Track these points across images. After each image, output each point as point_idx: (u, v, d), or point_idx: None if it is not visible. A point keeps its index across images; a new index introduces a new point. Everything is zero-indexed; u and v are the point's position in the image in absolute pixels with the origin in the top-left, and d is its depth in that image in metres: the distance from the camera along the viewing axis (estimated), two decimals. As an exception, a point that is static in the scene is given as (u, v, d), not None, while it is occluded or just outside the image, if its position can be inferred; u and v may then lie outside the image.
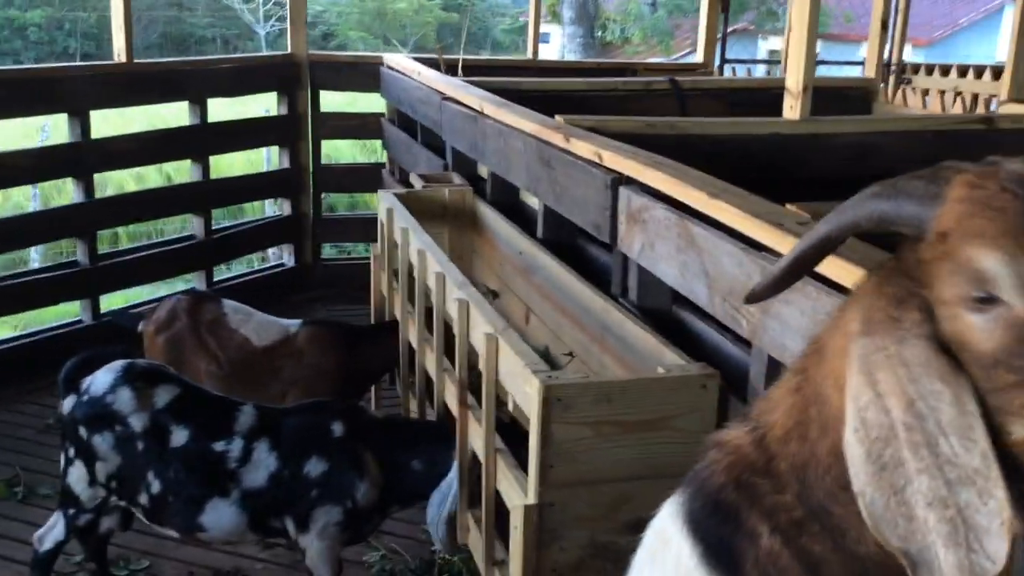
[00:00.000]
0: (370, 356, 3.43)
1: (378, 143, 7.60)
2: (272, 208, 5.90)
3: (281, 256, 5.89)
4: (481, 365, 2.31)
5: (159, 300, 4.95)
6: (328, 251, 6.09)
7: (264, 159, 8.64)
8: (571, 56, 18.41)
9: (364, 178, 5.90)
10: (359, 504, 2.56)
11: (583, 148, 2.81)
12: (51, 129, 9.07)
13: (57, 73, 4.62)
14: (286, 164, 5.63)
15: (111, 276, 4.83)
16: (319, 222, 5.77)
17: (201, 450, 2.54)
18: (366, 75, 5.57)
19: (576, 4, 18.43)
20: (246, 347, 3.30)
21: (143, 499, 2.57)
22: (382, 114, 5.61)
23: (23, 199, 8.33)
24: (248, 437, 2.55)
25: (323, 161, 5.73)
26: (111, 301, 5.10)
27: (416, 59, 5.28)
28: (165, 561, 3.18)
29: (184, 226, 6.50)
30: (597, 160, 2.73)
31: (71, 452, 2.62)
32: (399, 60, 5.36)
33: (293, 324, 3.41)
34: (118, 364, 2.64)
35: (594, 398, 1.92)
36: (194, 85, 5.00)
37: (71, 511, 2.67)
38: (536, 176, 3.18)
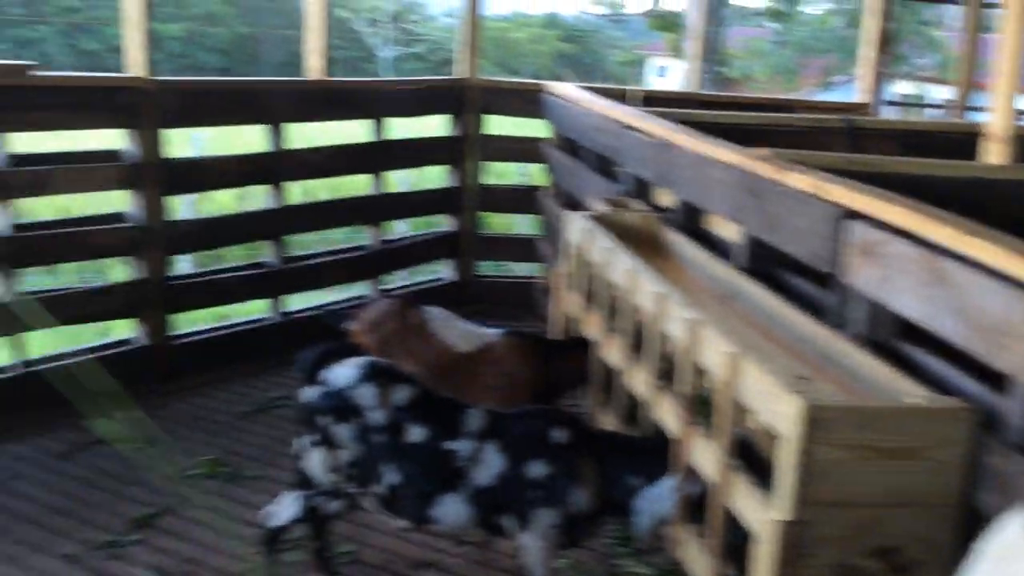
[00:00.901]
0: (564, 370, 3.56)
1: (533, 167, 7.85)
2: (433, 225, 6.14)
3: (441, 270, 6.11)
4: (712, 383, 2.41)
5: (323, 305, 5.25)
6: (484, 268, 6.28)
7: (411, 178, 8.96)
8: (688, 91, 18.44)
9: (522, 200, 6.09)
10: (576, 509, 2.68)
11: (801, 181, 2.90)
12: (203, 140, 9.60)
13: (258, 87, 4.94)
14: (451, 183, 5.87)
15: (296, 278, 5.13)
16: (477, 239, 5.99)
17: (434, 447, 2.70)
18: (529, 101, 5.78)
19: (699, 39, 18.49)
20: (448, 353, 3.47)
21: (378, 488, 2.75)
22: (543, 139, 5.79)
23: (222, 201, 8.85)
24: (478, 437, 2.71)
25: (486, 181, 5.96)
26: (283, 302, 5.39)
27: (584, 88, 5.45)
28: (367, 548, 3.37)
29: (347, 236, 6.80)
30: (815, 193, 2.81)
31: (311, 439, 2.82)
32: (564, 88, 5.54)
33: (494, 333, 3.56)
34: (360, 360, 2.84)
35: (855, 422, 1.99)
36: (375, 104, 5.29)
37: (308, 493, 2.87)
38: (740, 206, 3.28)
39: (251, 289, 5.03)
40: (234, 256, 5.87)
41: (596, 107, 4.87)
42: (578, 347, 3.59)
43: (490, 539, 2.94)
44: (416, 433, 2.73)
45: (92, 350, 4.53)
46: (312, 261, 5.33)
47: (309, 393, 2.85)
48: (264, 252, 5.06)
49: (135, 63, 4.28)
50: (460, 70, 5.76)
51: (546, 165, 5.79)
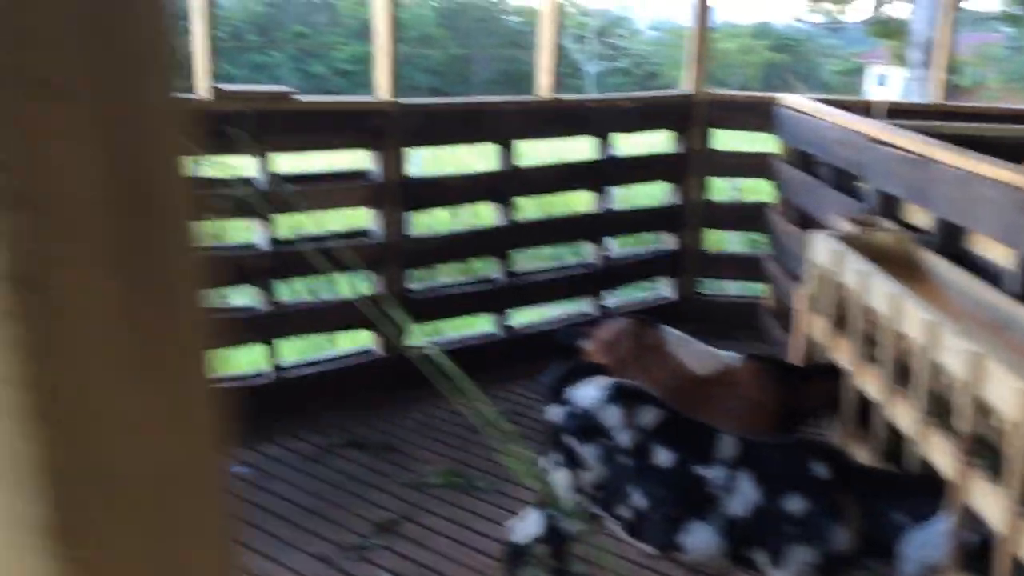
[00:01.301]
0: (807, 397, 3.39)
1: (747, 182, 7.63)
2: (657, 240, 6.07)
3: (661, 287, 6.03)
4: (998, 422, 2.21)
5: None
6: (704, 286, 6.14)
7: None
8: (914, 100, 17.31)
9: (745, 216, 5.90)
10: (834, 549, 2.53)
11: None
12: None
13: (491, 107, 5.07)
14: (674, 200, 5.77)
15: (520, 294, 5.22)
16: (698, 257, 5.86)
17: (684, 472, 2.64)
18: (758, 114, 5.59)
19: (924, 46, 17.33)
20: (684, 374, 3.39)
21: (624, 511, 2.71)
22: (771, 154, 5.58)
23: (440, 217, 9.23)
24: (731, 465, 2.62)
25: (710, 198, 5.83)
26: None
27: (820, 100, 5.22)
28: (606, 573, 3.35)
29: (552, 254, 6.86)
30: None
31: (557, 458, 2.83)
32: (799, 101, 5.31)
33: (732, 356, 3.45)
34: (606, 381, 2.82)
35: None
36: (601, 120, 5.29)
37: (551, 512, 2.88)
38: (1014, 227, 3.01)
39: (479, 304, 5.16)
40: (447, 272, 6.03)
41: (837, 119, 4.64)
42: (823, 374, 3.41)
43: (737, 572, 2.84)
44: (664, 456, 2.68)
45: (338, 359, 4.80)
46: (535, 277, 5.40)
47: (554, 412, 2.86)
48: (485, 268, 5.16)
49: (382, 87, 4.51)
50: (686, 83, 5.67)
51: (775, 180, 5.59)
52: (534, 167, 5.20)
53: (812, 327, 3.71)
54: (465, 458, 4.27)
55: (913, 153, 3.76)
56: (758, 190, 6.59)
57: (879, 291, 3.02)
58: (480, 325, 5.39)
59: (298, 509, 3.79)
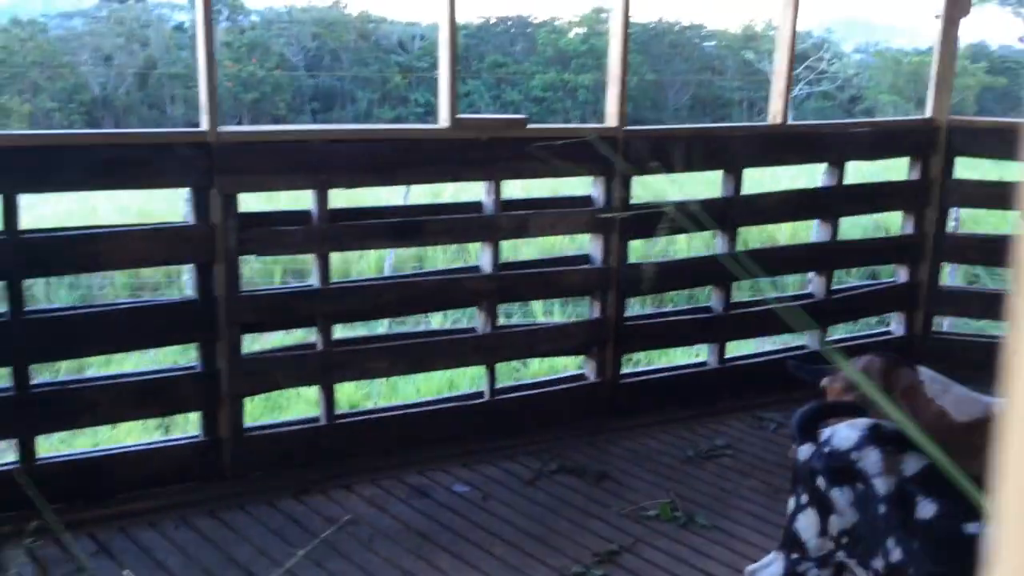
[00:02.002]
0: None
1: (978, 213, 7.12)
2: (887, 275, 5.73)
3: (890, 324, 5.68)
4: None
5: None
6: (944, 324, 5.73)
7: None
8: None
9: (994, 251, 5.47)
10: None
11: None
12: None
13: (720, 132, 4.96)
14: (909, 230, 5.43)
15: (739, 324, 5.06)
16: (935, 292, 5.47)
17: (949, 528, 2.42)
18: (1006, 142, 5.19)
19: None
20: (943, 420, 3.14)
21: (877, 564, 2.52)
22: (1017, 183, 5.15)
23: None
24: (1009, 524, 2.37)
25: (948, 229, 5.45)
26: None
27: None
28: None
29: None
30: None
31: (804, 499, 2.67)
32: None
33: (996, 401, 3.17)
34: (864, 422, 2.64)
35: None
36: (835, 147, 5.06)
37: (793, 556, 2.72)
38: None
39: (695, 333, 5.03)
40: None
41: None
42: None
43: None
44: (927, 509, 2.46)
45: (549, 383, 4.82)
46: (756, 308, 5.22)
47: (804, 451, 2.70)
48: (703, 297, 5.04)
49: (611, 114, 4.50)
50: (930, 108, 5.33)
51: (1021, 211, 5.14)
52: (761, 194, 5.04)
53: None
54: (681, 491, 4.15)
55: None
56: (995, 222, 6.12)
57: None
58: (694, 355, 5.27)
59: (521, 533, 3.79)
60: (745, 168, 4.82)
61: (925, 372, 3.26)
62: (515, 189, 4.46)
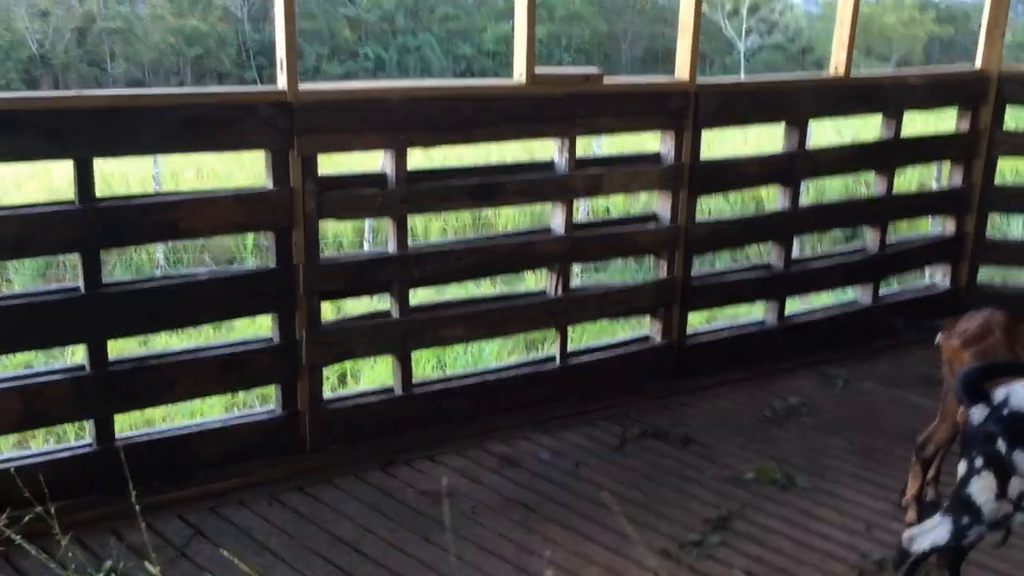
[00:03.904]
0: None
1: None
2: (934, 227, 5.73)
3: (934, 276, 5.68)
4: None
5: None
6: (984, 275, 5.74)
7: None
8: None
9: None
10: None
11: None
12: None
13: (785, 86, 4.84)
14: (957, 182, 5.42)
15: (797, 282, 5.00)
16: (981, 244, 5.49)
17: None
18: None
19: None
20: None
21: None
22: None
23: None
24: None
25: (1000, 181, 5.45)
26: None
27: None
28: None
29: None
30: None
31: (979, 462, 2.62)
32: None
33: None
34: (1043, 381, 2.59)
35: None
36: (894, 100, 4.99)
37: (965, 520, 2.67)
38: None
39: (758, 291, 4.97)
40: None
41: None
42: None
43: None
44: (1114, 468, 2.43)
45: (618, 345, 4.71)
46: (813, 264, 5.16)
47: (976, 414, 2.64)
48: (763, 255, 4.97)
49: (682, 66, 4.35)
50: (979, 60, 5.29)
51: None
52: (821, 148, 4.95)
53: None
54: (773, 452, 4.10)
55: None
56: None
57: None
58: (755, 313, 5.21)
59: (623, 501, 3.69)
60: (810, 120, 4.72)
61: (1048, 326, 3.22)
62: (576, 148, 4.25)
